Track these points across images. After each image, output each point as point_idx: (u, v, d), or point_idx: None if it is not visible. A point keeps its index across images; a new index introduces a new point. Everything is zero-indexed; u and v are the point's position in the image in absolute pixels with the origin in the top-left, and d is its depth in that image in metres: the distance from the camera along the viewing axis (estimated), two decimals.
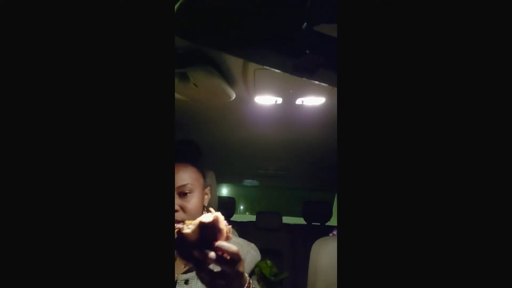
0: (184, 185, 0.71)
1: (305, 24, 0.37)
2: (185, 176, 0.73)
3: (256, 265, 0.74)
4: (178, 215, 0.69)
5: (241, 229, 1.62)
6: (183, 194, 0.71)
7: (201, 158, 0.79)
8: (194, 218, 0.64)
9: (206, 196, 0.78)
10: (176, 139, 0.75)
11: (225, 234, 0.51)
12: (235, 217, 2.30)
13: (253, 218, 2.27)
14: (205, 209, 0.77)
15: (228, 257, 0.48)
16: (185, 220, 0.62)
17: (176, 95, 0.98)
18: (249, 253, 0.74)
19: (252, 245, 0.77)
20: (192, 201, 0.72)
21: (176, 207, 0.69)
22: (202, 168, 0.79)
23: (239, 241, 0.76)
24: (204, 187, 0.78)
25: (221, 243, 0.49)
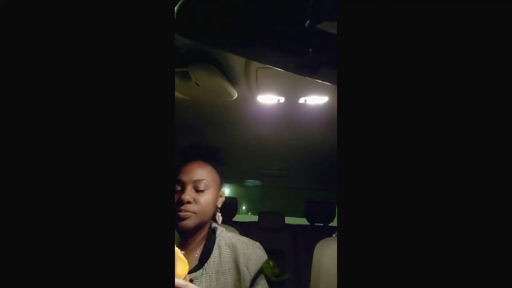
0: (200, 180, 0.73)
1: (308, 22, 0.36)
2: (202, 173, 0.75)
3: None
4: (191, 207, 0.71)
5: (243, 230, 1.62)
6: (198, 189, 0.73)
7: (222, 163, 0.81)
8: (205, 214, 0.74)
9: (220, 198, 0.79)
10: (195, 141, 0.81)
11: None
12: (237, 217, 2.30)
13: (255, 218, 2.27)
14: (218, 210, 0.78)
15: None
16: (196, 212, 0.72)
17: (178, 94, 0.98)
18: (254, 252, 0.74)
19: (257, 244, 0.77)
20: (206, 197, 0.73)
21: (190, 199, 0.71)
22: (220, 171, 0.81)
23: (244, 240, 0.76)
24: (220, 188, 0.79)
25: None
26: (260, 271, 0.73)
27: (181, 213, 0.69)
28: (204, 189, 0.73)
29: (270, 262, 0.75)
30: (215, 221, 0.79)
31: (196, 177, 0.73)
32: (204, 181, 0.73)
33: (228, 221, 2.19)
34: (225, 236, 0.76)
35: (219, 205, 0.78)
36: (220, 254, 0.73)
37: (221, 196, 0.80)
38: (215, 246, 0.74)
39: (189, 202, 0.70)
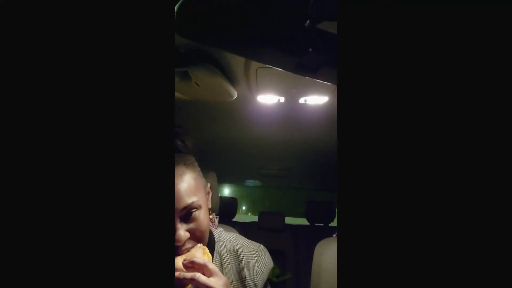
0: (190, 204, 0.51)
1: (308, 22, 0.36)
2: (189, 189, 0.52)
3: None
4: (189, 244, 0.52)
5: (244, 230, 1.62)
6: (189, 214, 0.52)
7: (190, 145, 0.58)
8: (206, 238, 0.56)
9: (208, 196, 0.60)
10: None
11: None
12: (237, 218, 2.30)
13: (255, 218, 2.26)
14: (210, 213, 0.62)
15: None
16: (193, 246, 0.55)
17: (178, 94, 0.98)
18: (261, 263, 0.67)
19: (261, 247, 0.70)
20: (201, 219, 0.53)
21: (184, 234, 0.50)
22: (194, 160, 0.57)
23: (247, 245, 0.68)
24: (205, 187, 0.59)
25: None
26: (267, 283, 0.67)
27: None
28: (196, 210, 0.52)
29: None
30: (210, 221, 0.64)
31: (184, 202, 0.50)
32: (195, 202, 0.51)
33: (228, 221, 2.19)
34: (225, 240, 0.67)
35: (210, 205, 0.60)
36: (221, 263, 0.63)
37: (208, 193, 0.59)
38: (215, 254, 0.64)
39: (185, 240, 0.51)
